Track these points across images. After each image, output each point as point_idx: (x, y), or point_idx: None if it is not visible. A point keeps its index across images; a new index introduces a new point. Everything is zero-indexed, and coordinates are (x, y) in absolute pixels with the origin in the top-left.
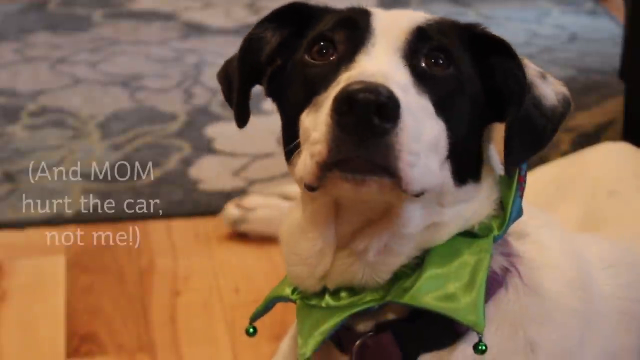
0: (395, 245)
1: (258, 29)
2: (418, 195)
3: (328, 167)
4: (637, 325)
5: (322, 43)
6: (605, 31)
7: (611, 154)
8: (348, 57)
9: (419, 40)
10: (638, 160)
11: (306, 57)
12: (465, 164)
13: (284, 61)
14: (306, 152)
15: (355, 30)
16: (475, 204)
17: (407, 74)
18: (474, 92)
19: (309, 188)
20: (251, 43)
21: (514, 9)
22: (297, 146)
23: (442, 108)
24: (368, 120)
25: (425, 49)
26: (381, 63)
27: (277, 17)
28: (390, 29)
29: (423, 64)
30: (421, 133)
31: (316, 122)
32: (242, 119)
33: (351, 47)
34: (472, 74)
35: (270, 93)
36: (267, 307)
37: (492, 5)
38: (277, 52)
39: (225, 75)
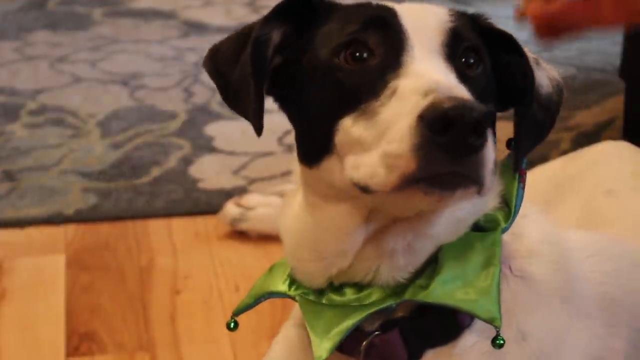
0: (419, 245)
1: (263, 30)
2: None
3: (415, 180)
4: (624, 313)
5: (353, 46)
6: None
7: (611, 153)
8: (392, 61)
9: (454, 41)
10: (637, 159)
11: (336, 60)
12: None
13: (285, 59)
14: (375, 160)
15: (387, 31)
16: (486, 196)
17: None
18: (494, 88)
19: (363, 190)
20: (259, 46)
21: (514, 8)
22: (327, 150)
23: None
24: (465, 138)
25: (460, 49)
26: (437, 70)
27: (280, 13)
28: (422, 29)
29: (459, 66)
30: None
31: (382, 133)
32: (260, 128)
33: (391, 50)
34: (490, 71)
35: (271, 92)
36: (257, 302)
37: (493, 4)
38: (277, 50)
39: (216, 71)
